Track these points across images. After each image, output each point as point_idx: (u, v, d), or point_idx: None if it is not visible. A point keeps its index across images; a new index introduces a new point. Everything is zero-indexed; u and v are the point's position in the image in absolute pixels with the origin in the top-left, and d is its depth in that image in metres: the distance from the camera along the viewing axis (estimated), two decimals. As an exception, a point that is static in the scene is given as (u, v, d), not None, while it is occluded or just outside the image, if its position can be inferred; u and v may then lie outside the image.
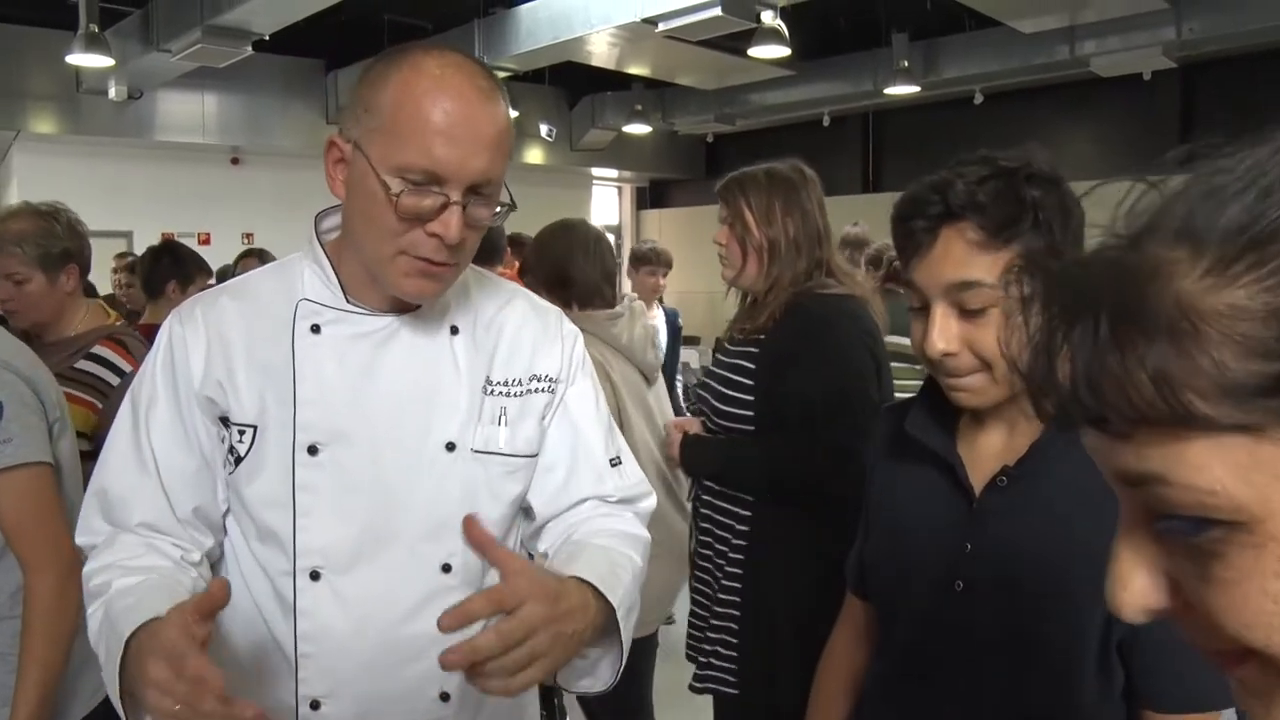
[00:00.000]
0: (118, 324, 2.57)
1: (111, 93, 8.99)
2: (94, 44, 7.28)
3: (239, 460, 1.23)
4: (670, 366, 5.05)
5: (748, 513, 2.14)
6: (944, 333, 1.13)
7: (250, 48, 7.60)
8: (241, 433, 1.22)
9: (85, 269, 2.42)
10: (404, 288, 1.20)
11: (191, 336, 1.25)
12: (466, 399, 1.27)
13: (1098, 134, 11.01)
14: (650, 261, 5.41)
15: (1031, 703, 1.18)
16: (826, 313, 2.08)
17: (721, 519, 2.19)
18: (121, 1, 8.13)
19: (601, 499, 1.36)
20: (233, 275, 4.10)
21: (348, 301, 1.25)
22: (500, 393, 1.30)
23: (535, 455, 1.34)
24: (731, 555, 2.15)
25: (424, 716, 1.26)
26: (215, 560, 1.31)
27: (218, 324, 1.25)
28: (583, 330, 2.47)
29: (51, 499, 1.65)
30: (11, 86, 9.10)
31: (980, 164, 1.12)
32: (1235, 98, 9.93)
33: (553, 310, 1.44)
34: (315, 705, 1.22)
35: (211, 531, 1.28)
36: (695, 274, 14.69)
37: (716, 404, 2.18)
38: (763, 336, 2.12)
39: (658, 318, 5.19)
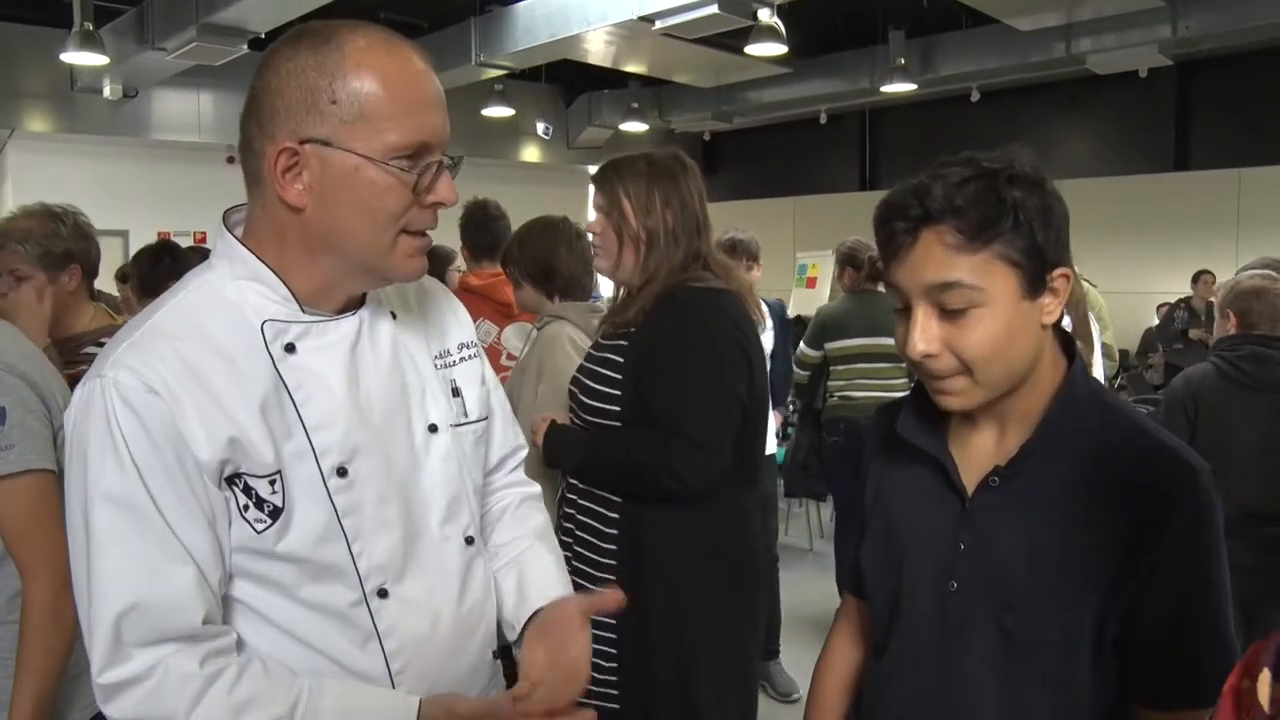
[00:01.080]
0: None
1: (106, 91, 8.97)
2: (88, 42, 7.25)
3: (277, 512, 1.11)
4: (782, 363, 4.59)
5: (615, 515, 2.06)
6: (925, 333, 1.14)
7: (246, 46, 7.58)
8: (272, 483, 1.11)
9: (90, 271, 2.41)
10: (406, 270, 1.18)
11: (170, 404, 1.06)
12: (429, 380, 1.28)
13: (1094, 131, 11.03)
14: (733, 253, 4.54)
15: (1027, 702, 1.18)
16: (697, 306, 2.03)
17: (589, 520, 2.10)
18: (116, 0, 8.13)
19: (516, 451, 1.47)
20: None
21: (304, 311, 1.17)
22: (443, 365, 1.32)
23: (486, 419, 1.38)
24: (603, 561, 2.06)
25: (486, 674, 1.33)
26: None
27: (191, 378, 1.08)
28: (563, 318, 2.52)
29: (52, 507, 1.63)
30: (6, 85, 9.08)
31: (963, 165, 1.13)
32: (1231, 95, 9.97)
33: (436, 282, 1.43)
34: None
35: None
36: (692, 272, 14.69)
37: (584, 398, 2.12)
38: (633, 329, 2.07)
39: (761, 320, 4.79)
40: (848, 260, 4.64)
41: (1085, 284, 4.57)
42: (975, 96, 10.10)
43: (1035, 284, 1.12)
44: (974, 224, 1.09)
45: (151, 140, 10.08)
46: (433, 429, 1.26)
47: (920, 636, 1.24)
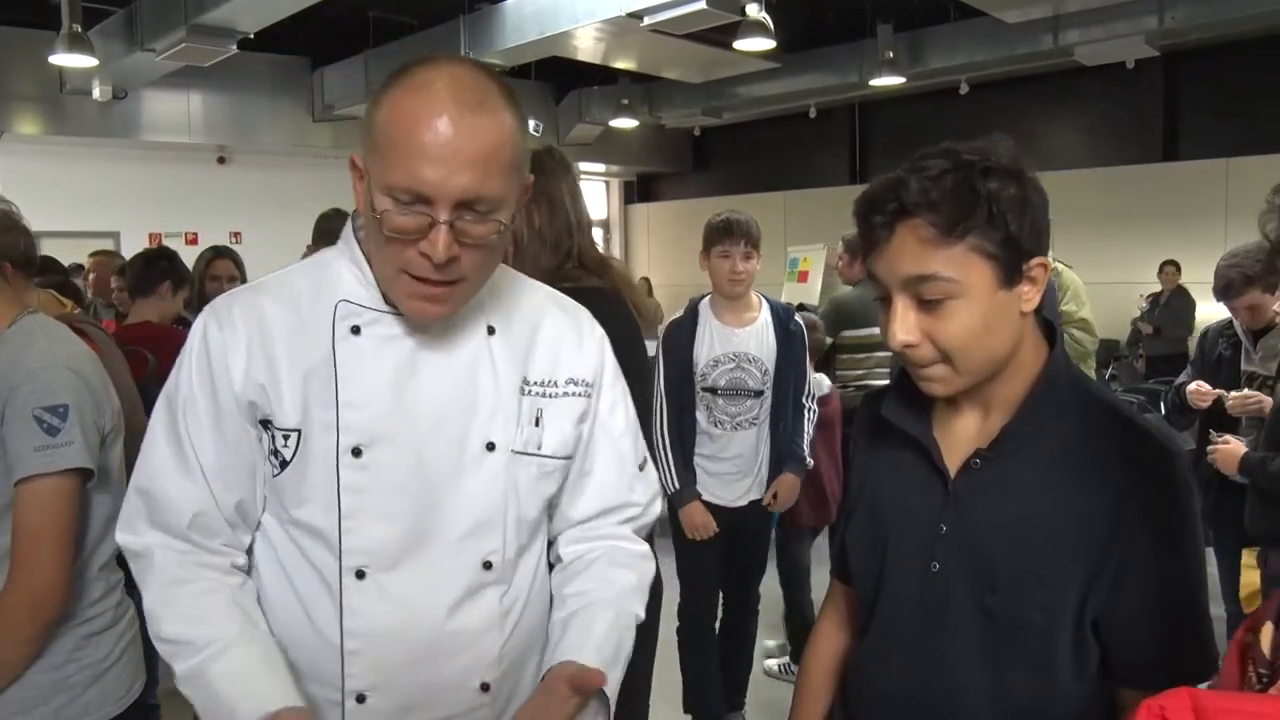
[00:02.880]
0: (74, 313, 2.50)
1: (96, 93, 8.95)
2: (77, 44, 7.23)
3: (284, 464, 1.23)
4: (785, 380, 3.35)
5: None
6: (903, 324, 1.16)
7: (235, 46, 7.58)
8: (286, 437, 1.23)
9: (21, 263, 2.34)
10: (409, 309, 1.21)
11: (230, 339, 1.23)
12: (506, 399, 1.28)
13: (1082, 122, 11.07)
14: (723, 238, 3.27)
15: (1009, 683, 1.20)
16: None
17: None
18: (105, 1, 8.10)
19: (626, 507, 1.43)
20: (203, 277, 4.07)
21: (385, 302, 1.25)
22: (536, 393, 1.32)
23: (570, 458, 1.36)
24: None
25: (464, 706, 1.29)
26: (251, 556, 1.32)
27: (258, 326, 1.24)
28: None
29: (71, 511, 1.62)
30: (-5, 88, 9.08)
31: (941, 157, 1.14)
32: (1217, 85, 10.01)
33: (582, 310, 1.44)
34: (361, 698, 1.24)
35: (249, 528, 1.29)
36: (684, 268, 14.71)
37: None
38: None
39: (758, 318, 3.37)
40: (856, 249, 4.61)
41: (1060, 264, 4.63)
42: (964, 89, 10.12)
43: (1012, 274, 1.14)
44: (948, 218, 1.11)
45: (142, 141, 10.07)
46: (490, 447, 1.27)
47: (903, 618, 1.26)
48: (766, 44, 7.42)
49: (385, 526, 1.23)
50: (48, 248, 9.06)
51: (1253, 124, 9.65)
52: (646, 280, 13.63)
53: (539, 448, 1.32)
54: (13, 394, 1.60)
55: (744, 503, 3.40)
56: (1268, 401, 3.19)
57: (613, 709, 1.28)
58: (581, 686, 1.22)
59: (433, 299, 1.19)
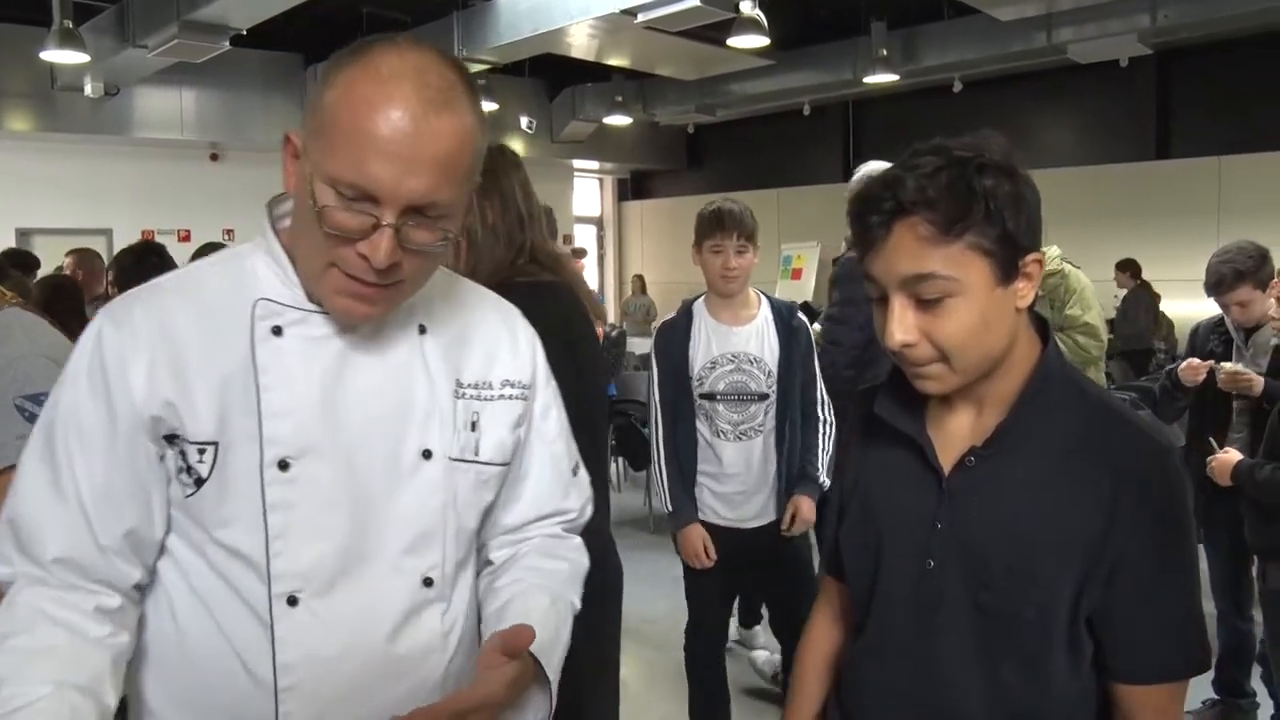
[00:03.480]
0: (15, 303, 2.48)
1: (88, 89, 8.94)
2: (68, 40, 7.20)
3: (200, 481, 1.10)
4: (791, 382, 3.01)
5: None
6: (901, 323, 1.15)
7: (228, 43, 7.56)
8: (201, 451, 1.10)
9: None
10: (334, 305, 1.11)
11: (129, 345, 1.10)
12: (441, 403, 1.20)
13: (1076, 120, 11.09)
14: (713, 230, 3.04)
15: (1004, 679, 1.20)
16: (522, 303, 1.99)
17: None
18: (96, -3, 8.09)
19: (561, 514, 1.37)
20: None
21: (310, 300, 1.14)
22: (471, 396, 1.23)
23: (507, 464, 1.28)
24: None
25: None
26: (146, 592, 1.17)
27: (163, 329, 1.11)
28: None
29: None
30: (-14, 84, 9.05)
31: (934, 154, 1.13)
32: (1210, 83, 10.03)
33: (514, 310, 1.37)
34: None
35: (142, 560, 1.14)
36: (678, 265, 14.72)
37: None
38: None
39: (756, 315, 3.07)
40: None
41: (1068, 265, 4.54)
42: (957, 87, 10.14)
43: (1008, 271, 1.14)
44: (946, 216, 1.10)
45: (134, 138, 10.05)
46: (426, 455, 1.18)
47: (898, 615, 1.26)
48: (760, 41, 7.42)
49: (318, 546, 1.12)
50: (39, 245, 9.05)
51: (1245, 122, 9.67)
52: (640, 278, 13.65)
53: (476, 454, 1.23)
54: None
55: (759, 524, 3.00)
56: (1258, 381, 3.21)
57: (554, 694, 1.18)
58: (511, 645, 1.12)
59: (364, 299, 1.09)
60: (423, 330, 1.21)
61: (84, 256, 5.65)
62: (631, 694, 4.20)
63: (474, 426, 1.23)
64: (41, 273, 5.73)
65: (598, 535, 2.11)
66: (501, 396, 1.26)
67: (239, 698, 1.13)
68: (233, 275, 1.16)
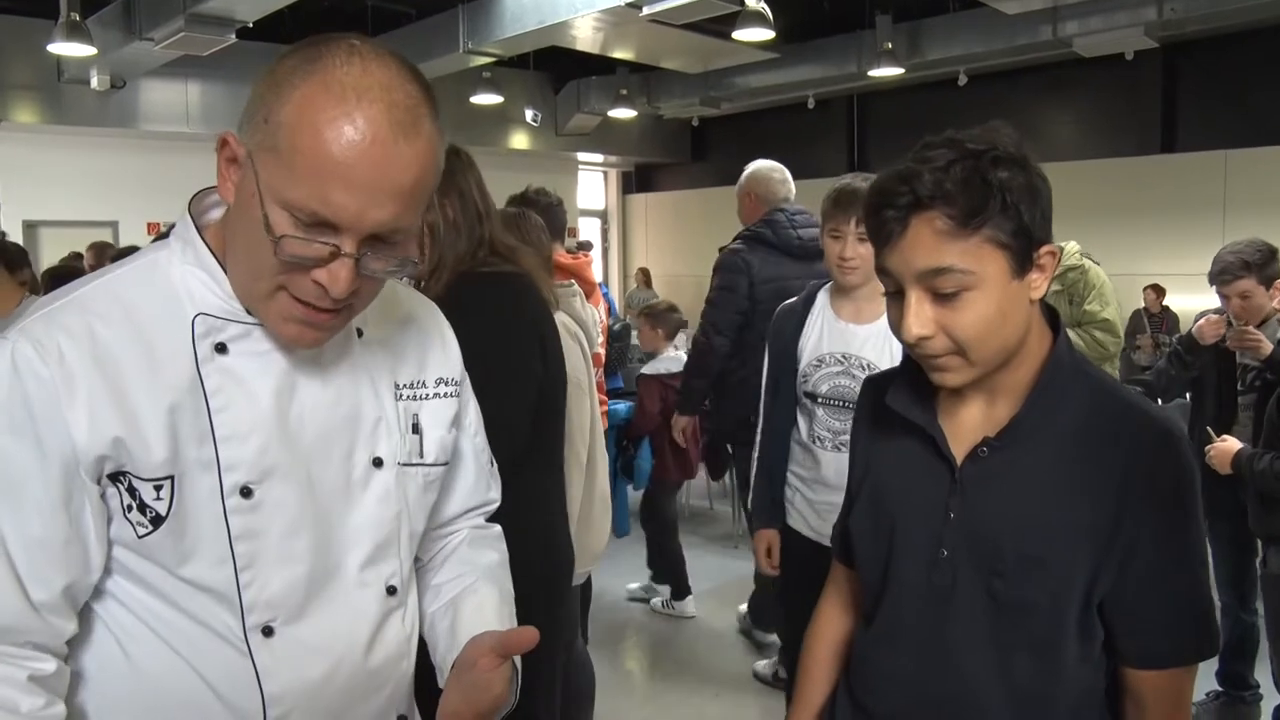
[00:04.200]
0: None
1: (94, 82, 8.93)
2: (75, 33, 7.23)
3: (159, 519, 1.02)
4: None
5: None
6: (919, 317, 1.15)
7: (234, 36, 7.56)
8: (158, 488, 1.02)
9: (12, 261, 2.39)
10: (282, 332, 1.04)
11: (61, 382, 0.98)
12: (386, 409, 1.17)
13: (1081, 113, 11.07)
14: (833, 213, 2.71)
15: (1015, 665, 1.21)
16: (485, 290, 2.04)
17: None
18: (102, -10, 8.10)
19: (486, 506, 1.38)
20: None
21: (249, 313, 1.06)
22: (408, 397, 1.20)
23: (448, 464, 1.26)
24: None
25: None
26: (78, 642, 1.07)
27: (96, 358, 1.00)
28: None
29: None
30: (-8, 76, 9.07)
31: (947, 147, 1.13)
32: (1216, 77, 10.01)
33: (434, 306, 1.33)
34: None
35: (76, 611, 1.04)
36: (682, 258, 14.73)
37: None
38: None
39: (883, 316, 2.61)
40: None
41: (1088, 261, 4.51)
42: (963, 80, 10.12)
43: (1023, 263, 1.14)
44: (964, 210, 1.10)
45: (140, 131, 10.06)
46: (377, 463, 1.15)
47: (910, 603, 1.27)
48: (765, 34, 7.42)
49: (286, 572, 1.08)
50: (45, 237, 9.07)
51: (1251, 116, 9.66)
52: (644, 271, 13.66)
53: (421, 456, 1.20)
54: None
55: None
56: (1266, 344, 3.25)
57: (519, 684, 1.20)
58: (511, 647, 1.12)
59: (314, 325, 1.03)
60: (360, 333, 1.16)
61: (101, 249, 5.85)
62: (637, 684, 4.23)
63: (415, 428, 1.21)
64: (48, 262, 5.83)
65: (550, 527, 2.15)
66: (436, 395, 1.24)
67: None
68: (160, 290, 1.06)
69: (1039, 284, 1.17)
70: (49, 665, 1.01)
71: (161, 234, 4.10)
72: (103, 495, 1.02)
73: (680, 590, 4.74)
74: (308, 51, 0.98)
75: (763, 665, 4.09)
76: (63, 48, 7.40)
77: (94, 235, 8.33)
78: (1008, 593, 1.19)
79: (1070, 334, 4.06)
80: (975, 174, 1.11)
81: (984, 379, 1.21)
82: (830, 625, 1.51)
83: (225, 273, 1.06)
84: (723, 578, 5.12)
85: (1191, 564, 1.20)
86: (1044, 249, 1.16)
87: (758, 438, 2.80)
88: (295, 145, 0.94)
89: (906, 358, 1.28)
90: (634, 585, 4.98)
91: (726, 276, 3.76)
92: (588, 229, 15.06)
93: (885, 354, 2.51)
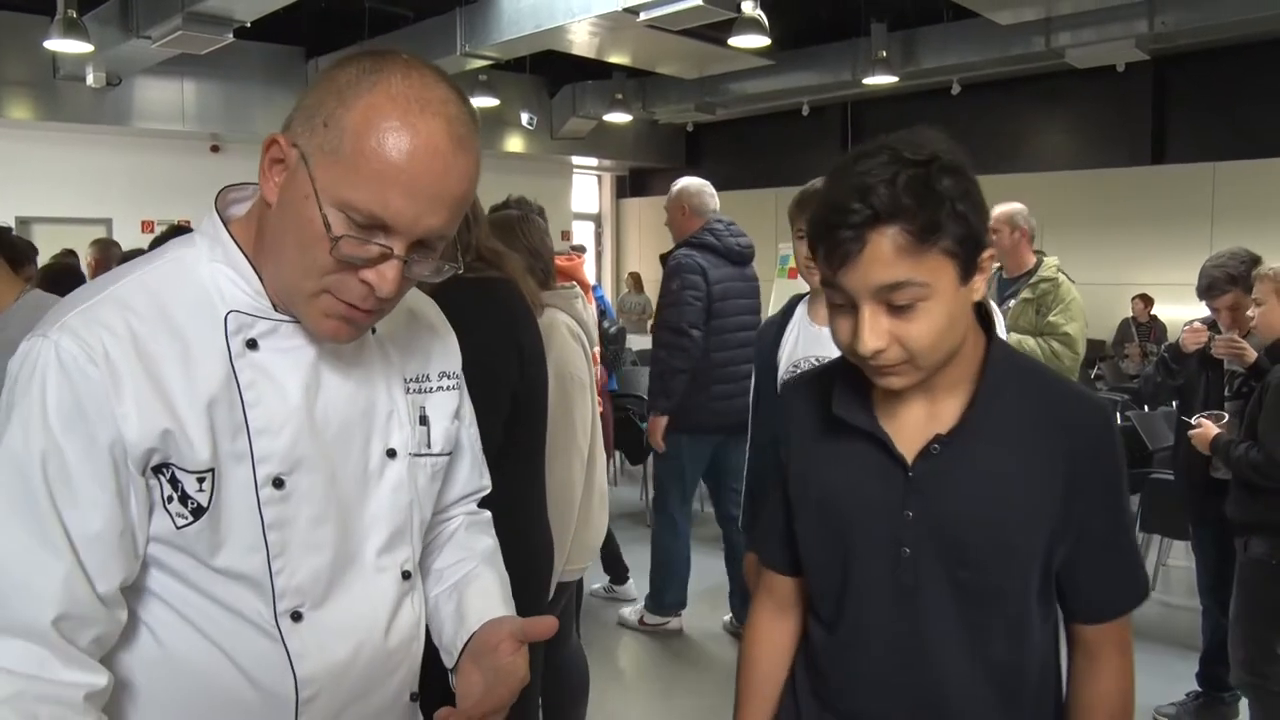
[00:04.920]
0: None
1: (89, 79, 8.95)
2: (72, 30, 7.24)
3: (200, 510, 1.06)
4: None
5: None
6: (874, 331, 1.15)
7: (231, 35, 7.59)
8: (201, 480, 1.05)
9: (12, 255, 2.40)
10: (320, 328, 1.08)
11: (108, 379, 1.00)
12: (397, 402, 1.21)
13: (1072, 124, 11.17)
14: (798, 214, 2.46)
15: (988, 644, 1.25)
16: (463, 296, 1.99)
17: None
18: (100, -13, 8.11)
19: (479, 492, 1.43)
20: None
21: (276, 310, 1.10)
22: (414, 390, 1.25)
23: (451, 454, 1.31)
24: None
25: (399, 717, 1.25)
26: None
27: (138, 357, 1.03)
28: (554, 306, 2.59)
29: None
30: (-12, 73, 9.08)
31: (886, 155, 1.12)
32: (1206, 89, 10.10)
33: (431, 301, 1.37)
34: None
35: (124, 605, 1.06)
36: (675, 263, 14.74)
37: None
38: None
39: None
40: None
41: (1063, 275, 4.55)
42: (956, 89, 10.20)
43: (970, 270, 1.16)
44: (923, 224, 1.10)
45: (135, 129, 10.07)
46: (391, 454, 1.20)
47: (875, 604, 1.28)
48: (761, 41, 7.46)
49: (313, 559, 1.12)
50: (38, 234, 9.07)
51: (1239, 129, 9.75)
52: (636, 275, 13.70)
53: (429, 447, 1.26)
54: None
55: None
56: (1250, 351, 3.30)
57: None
58: (532, 633, 1.17)
59: (352, 322, 1.07)
60: (374, 331, 1.19)
61: (103, 245, 5.92)
62: (628, 681, 4.26)
63: (423, 420, 1.25)
64: (41, 259, 5.87)
65: (527, 529, 2.18)
66: (440, 388, 1.29)
67: (248, 716, 1.11)
68: (191, 287, 1.09)
69: (979, 286, 1.20)
70: (102, 679, 1.02)
71: (175, 229, 4.14)
72: (147, 489, 1.04)
73: (620, 576, 5.01)
74: (366, 63, 1.03)
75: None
76: (59, 44, 7.41)
77: (87, 232, 8.33)
78: (976, 582, 1.23)
79: (1030, 341, 4.10)
80: (924, 185, 1.10)
81: (924, 380, 1.23)
82: (769, 633, 1.48)
83: (254, 269, 1.09)
84: (713, 579, 5.15)
85: (1128, 526, 1.31)
86: (986, 253, 1.18)
87: (747, 453, 2.84)
88: (360, 149, 0.99)
89: (842, 361, 1.28)
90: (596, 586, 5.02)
91: (688, 278, 4.19)
92: (581, 233, 15.10)
93: None
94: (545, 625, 1.18)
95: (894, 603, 1.27)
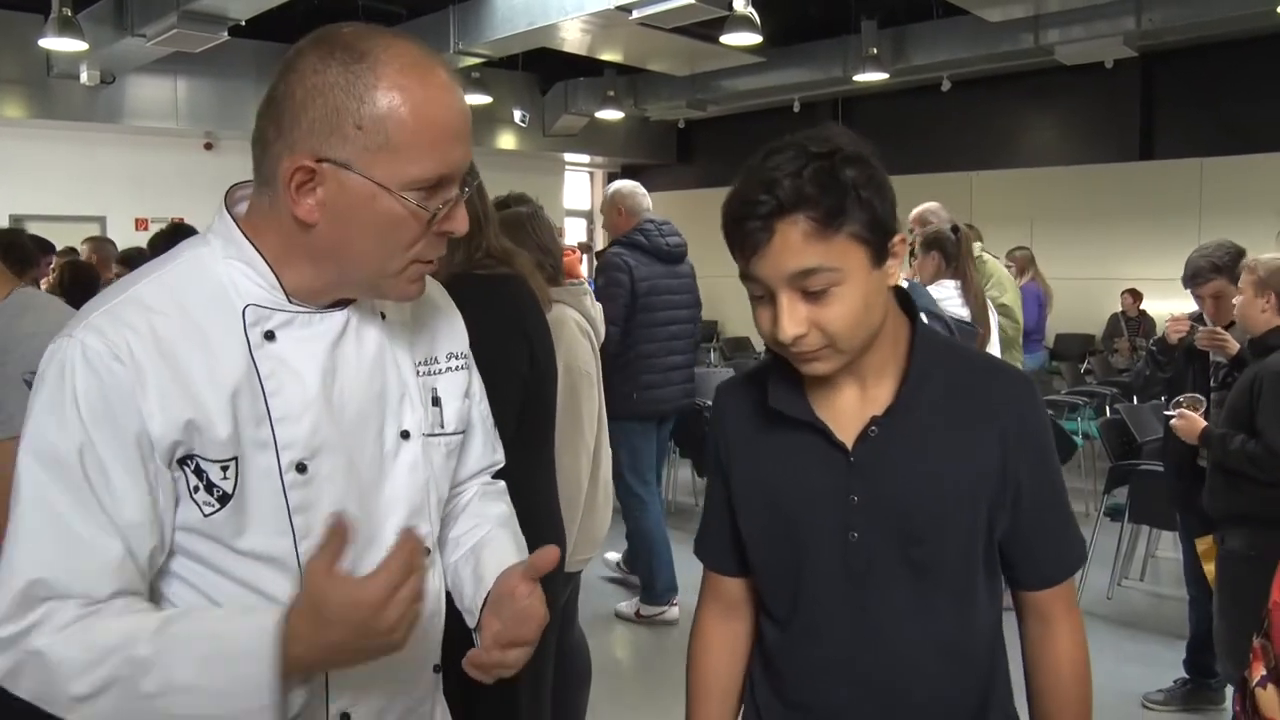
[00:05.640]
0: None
1: (83, 77, 8.95)
2: (67, 28, 7.25)
3: (226, 498, 1.10)
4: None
5: None
6: (793, 318, 1.19)
7: (226, 33, 7.61)
8: (225, 469, 1.10)
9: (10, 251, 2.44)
10: (407, 292, 1.17)
11: (133, 376, 1.05)
12: (409, 385, 1.25)
13: (1061, 120, 11.23)
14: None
15: (941, 623, 1.30)
16: (476, 292, 2.05)
17: None
18: (94, -15, 8.11)
19: (493, 467, 1.47)
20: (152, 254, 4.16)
21: (291, 302, 1.15)
22: (424, 373, 1.29)
23: (464, 432, 1.36)
24: None
25: (425, 691, 1.30)
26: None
27: (160, 353, 1.07)
28: (562, 302, 2.64)
29: None
30: (-19, 70, 9.07)
31: (793, 151, 1.17)
32: (1193, 86, 10.18)
33: (436, 284, 1.40)
34: (346, 717, 1.19)
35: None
36: (667, 259, 14.77)
37: None
38: None
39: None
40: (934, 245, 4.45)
41: (987, 254, 4.90)
42: (946, 86, 10.25)
43: (881, 254, 1.20)
44: (826, 211, 1.14)
45: (129, 126, 10.06)
46: (405, 435, 1.24)
47: (828, 592, 1.31)
48: (753, 38, 7.51)
49: None
50: (33, 231, 9.07)
51: (1227, 124, 9.83)
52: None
53: (442, 427, 1.30)
54: (4, 358, 1.70)
55: None
56: (1233, 343, 3.38)
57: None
58: (539, 568, 1.19)
59: (425, 275, 1.18)
60: (383, 316, 1.24)
61: (98, 243, 6.01)
62: (625, 670, 4.32)
63: (435, 401, 1.30)
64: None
65: (536, 519, 2.22)
66: (449, 369, 1.33)
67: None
68: (208, 284, 1.14)
69: (894, 270, 1.24)
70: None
71: (176, 229, 4.17)
72: (173, 480, 1.09)
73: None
74: (344, 55, 1.06)
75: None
76: (54, 43, 7.43)
77: (81, 230, 8.33)
78: (927, 557, 1.27)
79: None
80: (828, 175, 1.15)
81: (851, 365, 1.26)
82: (717, 635, 1.49)
83: (269, 265, 1.14)
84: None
85: (1059, 486, 1.35)
86: (896, 238, 1.22)
87: None
88: (410, 128, 1.05)
89: (773, 357, 1.32)
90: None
91: (613, 275, 4.48)
92: (573, 229, 15.13)
93: None
94: (549, 555, 1.18)
95: (845, 588, 1.30)
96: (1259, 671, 0.85)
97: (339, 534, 1.00)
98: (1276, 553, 1.52)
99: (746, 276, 1.22)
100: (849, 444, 1.28)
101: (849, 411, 1.30)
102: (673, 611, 4.69)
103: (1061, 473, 1.37)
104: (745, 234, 1.18)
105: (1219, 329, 3.44)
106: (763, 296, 1.22)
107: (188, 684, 1.01)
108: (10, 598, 1.03)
